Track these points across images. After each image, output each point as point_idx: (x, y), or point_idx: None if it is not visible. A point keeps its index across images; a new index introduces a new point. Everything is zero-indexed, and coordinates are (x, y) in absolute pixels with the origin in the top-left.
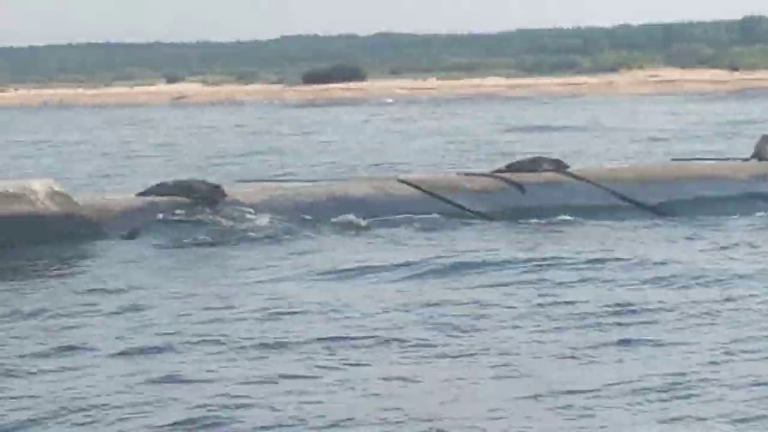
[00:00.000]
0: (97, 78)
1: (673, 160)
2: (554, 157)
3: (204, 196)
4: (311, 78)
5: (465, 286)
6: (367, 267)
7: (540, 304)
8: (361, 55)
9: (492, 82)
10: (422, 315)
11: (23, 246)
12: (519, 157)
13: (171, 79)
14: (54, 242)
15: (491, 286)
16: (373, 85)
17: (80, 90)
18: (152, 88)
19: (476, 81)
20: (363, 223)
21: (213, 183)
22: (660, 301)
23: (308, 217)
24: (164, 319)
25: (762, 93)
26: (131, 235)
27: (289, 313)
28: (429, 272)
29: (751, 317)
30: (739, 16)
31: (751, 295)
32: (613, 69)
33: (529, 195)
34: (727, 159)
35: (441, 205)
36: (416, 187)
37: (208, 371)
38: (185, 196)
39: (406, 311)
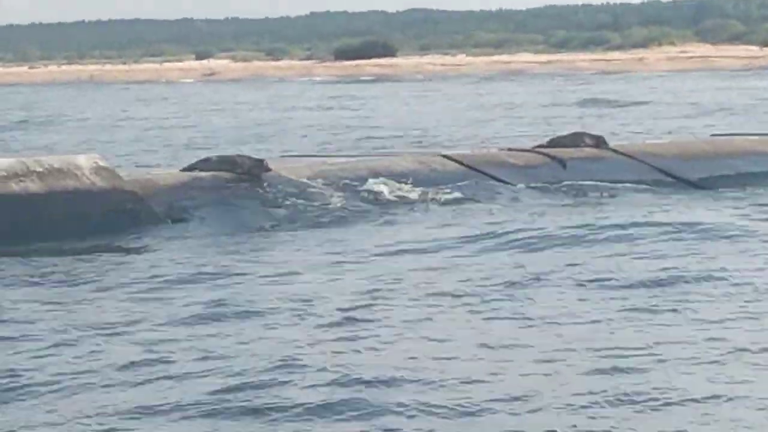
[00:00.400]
0: (126, 54)
1: (713, 135)
2: (595, 132)
3: (247, 171)
4: (342, 54)
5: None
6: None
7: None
8: (389, 32)
9: (523, 59)
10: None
11: (73, 222)
12: (560, 134)
13: (200, 56)
14: (101, 217)
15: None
16: (404, 62)
17: (108, 66)
18: (182, 64)
19: (506, 57)
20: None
21: (256, 158)
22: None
23: (352, 191)
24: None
25: None
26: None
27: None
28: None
29: None
30: None
31: None
32: (643, 45)
33: (571, 170)
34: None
35: (484, 180)
36: (459, 162)
37: None
38: (229, 170)
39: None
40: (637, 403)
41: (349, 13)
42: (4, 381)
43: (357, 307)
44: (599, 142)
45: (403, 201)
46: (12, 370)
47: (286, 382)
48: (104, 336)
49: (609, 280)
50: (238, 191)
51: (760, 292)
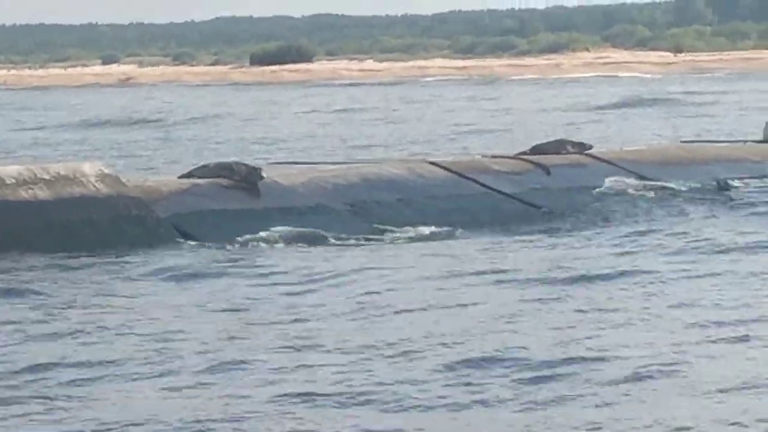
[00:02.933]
0: (32, 59)
1: (682, 141)
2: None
3: (244, 178)
4: (258, 59)
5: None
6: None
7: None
8: (295, 37)
9: (439, 64)
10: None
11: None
12: (538, 141)
13: (106, 60)
14: (108, 223)
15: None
16: (320, 67)
17: (14, 72)
18: (97, 69)
19: (422, 62)
20: None
21: (252, 165)
22: None
23: (347, 198)
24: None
25: (707, 73)
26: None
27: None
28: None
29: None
30: None
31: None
32: (552, 50)
33: (555, 176)
34: (740, 141)
35: (470, 185)
36: (446, 168)
37: None
38: (226, 177)
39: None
40: None
41: (254, 18)
42: None
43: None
44: (581, 148)
45: None
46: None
47: None
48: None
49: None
50: (236, 198)
51: None
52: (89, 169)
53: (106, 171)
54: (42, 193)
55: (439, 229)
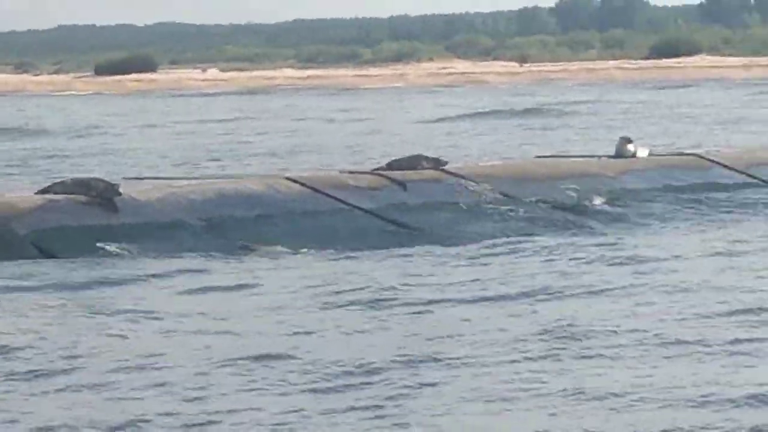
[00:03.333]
0: None
1: (537, 157)
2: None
3: (101, 194)
4: (102, 69)
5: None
6: None
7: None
8: (139, 46)
9: (284, 74)
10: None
11: None
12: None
13: None
14: None
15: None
16: (164, 77)
17: None
18: None
19: (269, 72)
20: None
21: (109, 181)
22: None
23: (204, 215)
24: None
25: (553, 84)
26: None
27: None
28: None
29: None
30: (516, 7)
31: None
32: (396, 59)
33: (411, 192)
34: (594, 156)
35: (328, 201)
36: (303, 184)
37: None
38: (83, 194)
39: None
40: None
41: (97, 26)
42: None
43: None
44: (437, 164)
45: None
46: None
47: None
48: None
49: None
50: (94, 214)
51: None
52: None
53: None
54: None
55: (295, 245)
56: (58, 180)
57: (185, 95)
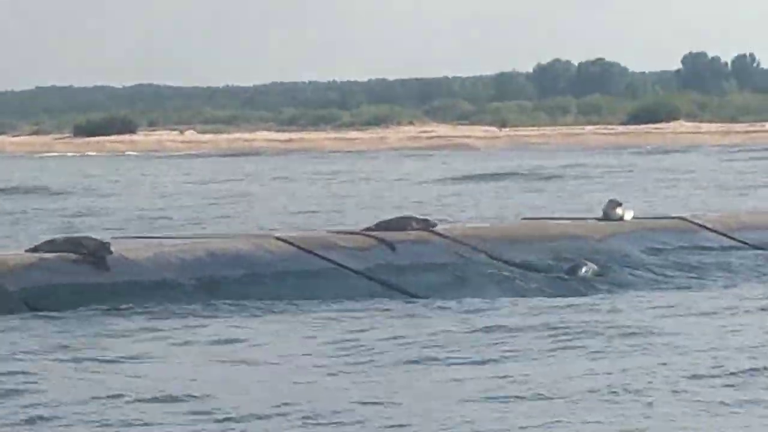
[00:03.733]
0: None
1: (524, 219)
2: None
3: (92, 253)
4: (81, 130)
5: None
6: None
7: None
8: (117, 107)
9: (264, 136)
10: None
11: None
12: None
13: None
14: None
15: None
16: (144, 138)
17: None
18: None
19: (248, 135)
20: None
21: (101, 240)
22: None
23: (195, 273)
24: None
25: (532, 148)
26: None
27: None
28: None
29: None
30: (493, 72)
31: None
32: (374, 123)
33: (400, 253)
34: (581, 219)
35: (317, 261)
36: (293, 244)
37: None
38: (74, 252)
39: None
40: None
41: (75, 87)
42: None
43: None
44: (426, 225)
45: None
46: None
47: None
48: None
49: None
50: (85, 273)
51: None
52: None
53: None
54: None
55: (286, 305)
56: (48, 239)
57: (166, 157)
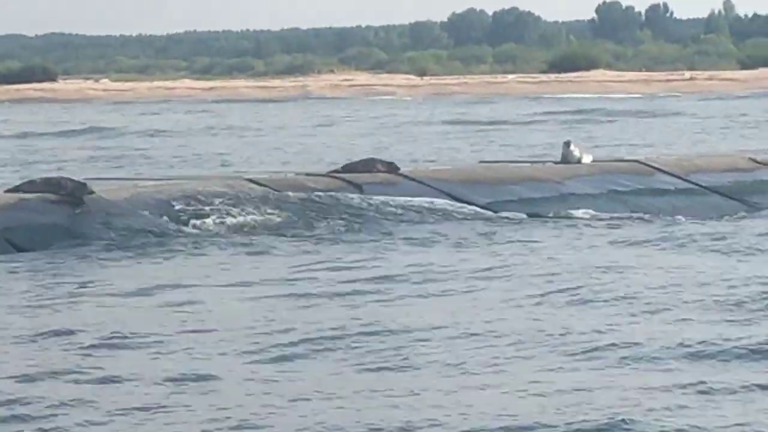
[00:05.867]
0: None
1: (481, 162)
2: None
3: (70, 193)
4: (2, 78)
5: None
6: None
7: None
8: (29, 56)
9: (186, 84)
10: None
11: None
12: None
13: None
14: None
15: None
16: (65, 86)
17: None
18: None
19: (169, 84)
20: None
21: (79, 180)
22: None
23: (168, 214)
24: None
25: (451, 97)
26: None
27: None
28: None
29: None
30: (407, 21)
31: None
32: (288, 72)
33: (368, 194)
34: (539, 162)
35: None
36: (264, 185)
37: None
38: (53, 192)
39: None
40: None
41: None
42: None
43: None
44: (391, 168)
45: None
46: None
47: None
48: None
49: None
50: (64, 213)
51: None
52: None
53: None
54: None
55: (262, 241)
56: (28, 180)
57: (89, 104)
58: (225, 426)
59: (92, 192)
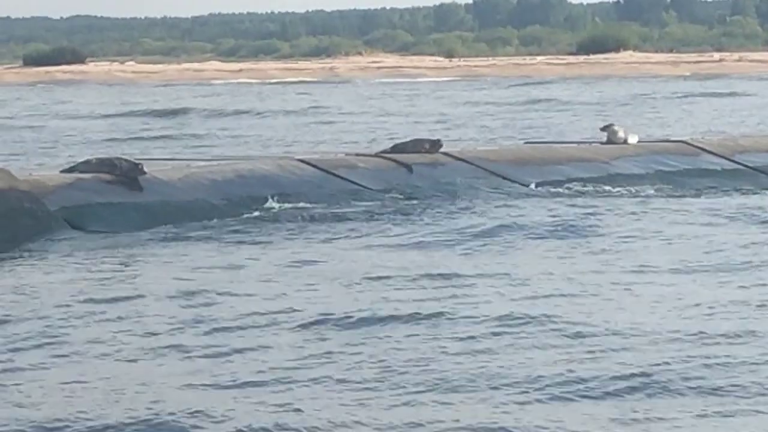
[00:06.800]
0: None
1: (527, 143)
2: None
3: (125, 174)
4: (31, 60)
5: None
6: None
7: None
8: (54, 38)
9: (214, 66)
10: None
11: None
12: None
13: None
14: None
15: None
16: (94, 69)
17: None
18: None
19: (197, 65)
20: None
21: (133, 161)
22: None
23: (222, 194)
24: None
25: (481, 79)
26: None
27: None
28: None
29: None
30: (432, 3)
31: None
32: (314, 54)
33: (417, 174)
34: (585, 142)
35: (339, 182)
36: (314, 166)
37: None
38: (108, 173)
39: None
40: None
41: (12, 18)
42: None
43: None
44: (438, 147)
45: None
46: None
47: None
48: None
49: None
50: (119, 193)
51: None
52: None
53: None
54: None
55: (316, 224)
56: (83, 160)
57: (119, 85)
58: None
59: (145, 173)
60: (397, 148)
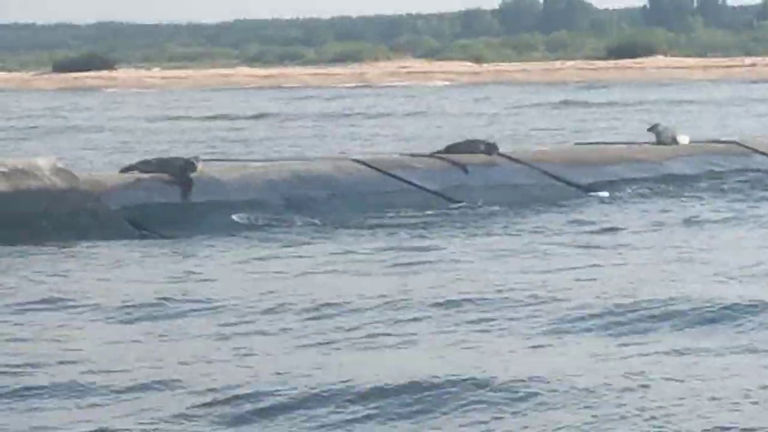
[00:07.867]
0: None
1: (576, 144)
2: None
3: (181, 173)
4: (61, 67)
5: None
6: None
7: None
8: (79, 45)
9: (244, 72)
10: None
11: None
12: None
13: None
14: (65, 216)
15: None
16: (124, 75)
17: None
18: None
19: (226, 71)
20: None
21: (190, 160)
22: None
23: (280, 193)
24: None
25: (508, 83)
26: None
27: None
28: None
29: None
30: (457, 9)
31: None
32: (340, 60)
33: (472, 175)
34: (635, 143)
35: (395, 182)
36: (370, 166)
37: None
38: (166, 172)
39: None
40: None
41: (37, 26)
42: None
43: None
44: (492, 148)
45: None
46: None
47: None
48: None
49: None
50: (178, 192)
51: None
52: (44, 163)
53: (60, 165)
54: (1, 186)
55: (374, 223)
56: (141, 159)
57: (149, 91)
58: None
59: (202, 172)
60: (450, 149)
